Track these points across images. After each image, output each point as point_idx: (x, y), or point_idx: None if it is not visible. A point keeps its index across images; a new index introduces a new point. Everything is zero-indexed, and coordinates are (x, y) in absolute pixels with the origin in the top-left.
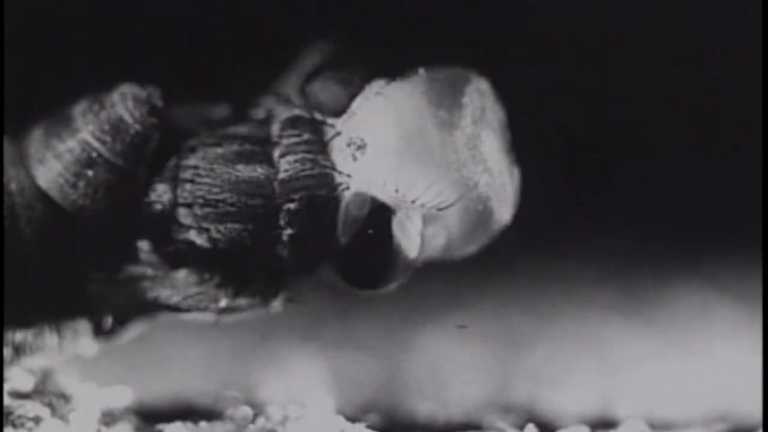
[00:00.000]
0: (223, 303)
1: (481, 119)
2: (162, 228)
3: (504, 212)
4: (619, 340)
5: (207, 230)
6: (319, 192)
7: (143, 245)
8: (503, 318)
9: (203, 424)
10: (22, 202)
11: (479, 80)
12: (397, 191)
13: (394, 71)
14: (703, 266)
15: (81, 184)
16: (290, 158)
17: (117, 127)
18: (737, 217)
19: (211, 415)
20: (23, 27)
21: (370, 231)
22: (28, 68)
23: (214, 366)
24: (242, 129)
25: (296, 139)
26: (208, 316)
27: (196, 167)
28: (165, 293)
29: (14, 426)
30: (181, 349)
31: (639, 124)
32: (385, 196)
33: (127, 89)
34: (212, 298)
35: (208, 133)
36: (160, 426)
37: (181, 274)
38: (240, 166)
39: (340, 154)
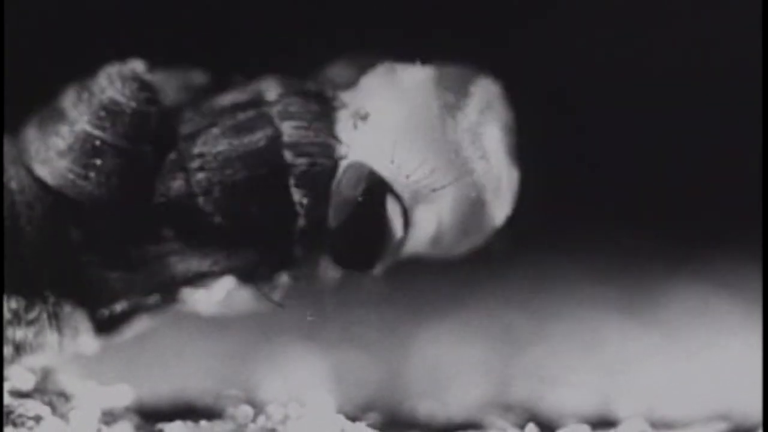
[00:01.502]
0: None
1: (485, 111)
2: (184, 218)
3: (497, 208)
4: (618, 338)
5: (231, 213)
6: (320, 160)
7: (167, 233)
8: (503, 317)
9: (204, 423)
10: (22, 201)
11: (490, 81)
12: (392, 162)
13: (406, 58)
14: (703, 265)
15: (92, 174)
16: (293, 123)
17: (113, 111)
18: (737, 216)
19: (211, 414)
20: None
21: (362, 209)
22: (19, 61)
23: (215, 365)
24: (228, 98)
25: (298, 108)
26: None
27: (202, 155)
28: (194, 262)
29: (15, 425)
30: (182, 348)
31: (638, 123)
32: (380, 166)
33: (112, 70)
34: (242, 260)
35: (196, 111)
36: (161, 425)
37: (208, 247)
38: (242, 139)
39: (342, 125)
